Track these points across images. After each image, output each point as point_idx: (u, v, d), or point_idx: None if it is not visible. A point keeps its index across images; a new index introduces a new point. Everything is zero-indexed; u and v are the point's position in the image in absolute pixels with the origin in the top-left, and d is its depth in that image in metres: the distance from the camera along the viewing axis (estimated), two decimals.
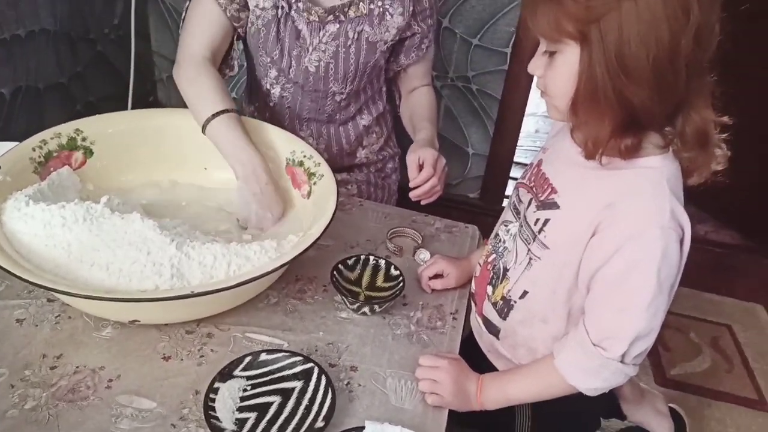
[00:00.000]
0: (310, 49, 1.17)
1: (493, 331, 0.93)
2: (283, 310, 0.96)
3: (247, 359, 0.83)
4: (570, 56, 0.72)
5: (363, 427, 0.74)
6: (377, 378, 0.87)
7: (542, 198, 0.85)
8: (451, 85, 1.85)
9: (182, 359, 0.85)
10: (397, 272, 1.00)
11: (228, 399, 0.78)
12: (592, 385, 0.81)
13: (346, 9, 1.15)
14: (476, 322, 0.98)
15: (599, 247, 0.76)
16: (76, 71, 1.58)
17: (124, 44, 1.70)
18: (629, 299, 0.76)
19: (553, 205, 0.83)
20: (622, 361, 0.78)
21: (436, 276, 1.04)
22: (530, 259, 0.85)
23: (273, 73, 1.22)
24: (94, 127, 1.05)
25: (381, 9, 1.17)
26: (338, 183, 1.34)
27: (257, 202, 1.03)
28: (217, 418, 0.75)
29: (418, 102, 1.32)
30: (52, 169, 0.98)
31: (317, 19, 1.15)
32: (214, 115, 1.05)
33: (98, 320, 0.87)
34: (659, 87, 0.69)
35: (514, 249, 0.89)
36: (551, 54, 0.75)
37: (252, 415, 0.77)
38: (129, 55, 1.62)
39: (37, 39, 1.38)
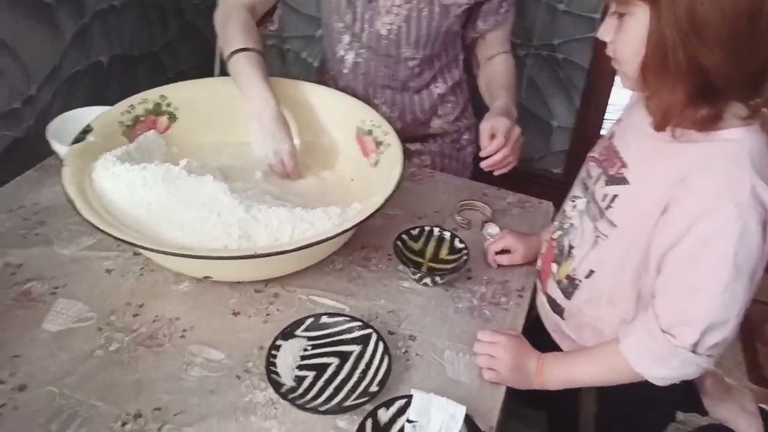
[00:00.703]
0: (383, 11, 1.17)
1: (558, 310, 0.91)
2: (348, 276, 0.98)
3: (309, 320, 0.86)
4: (639, 18, 0.68)
5: (411, 396, 0.75)
6: (435, 349, 0.87)
7: (611, 173, 0.81)
8: (534, 54, 1.78)
9: (250, 316, 0.89)
10: (462, 245, 1.00)
11: (289, 357, 0.81)
12: (659, 373, 0.77)
13: None
14: (541, 301, 0.96)
15: (670, 225, 0.72)
16: (167, 41, 1.67)
17: (212, 14, 1.76)
18: (701, 281, 0.71)
19: (622, 180, 0.79)
20: (694, 351, 0.74)
21: (503, 251, 1.03)
22: (597, 237, 0.81)
23: (346, 38, 1.23)
24: (177, 93, 1.11)
25: None
26: (411, 153, 1.35)
27: (271, 138, 1.06)
28: (277, 374, 0.79)
29: (496, 69, 1.29)
30: (139, 132, 1.05)
31: None
32: (235, 52, 1.08)
33: (177, 275, 0.94)
34: (736, 49, 0.63)
35: (580, 226, 0.86)
36: (620, 16, 0.71)
37: (310, 374, 0.80)
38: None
39: (130, 9, 1.47)
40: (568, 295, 0.88)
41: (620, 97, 2.55)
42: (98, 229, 0.80)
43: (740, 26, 0.62)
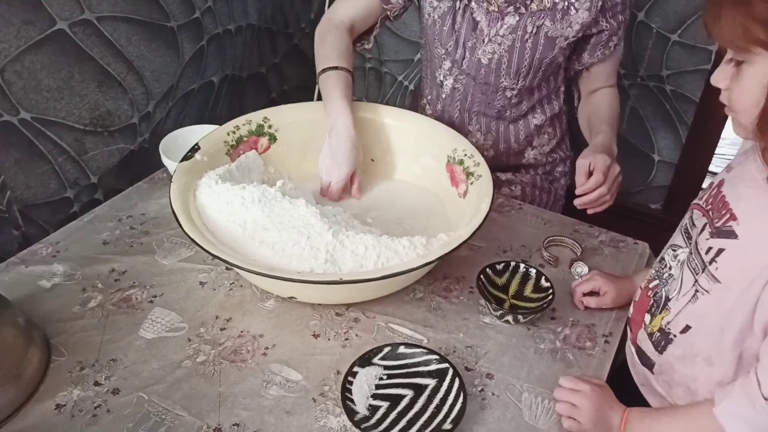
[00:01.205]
0: (486, 40, 1.16)
1: (647, 363, 0.85)
2: (427, 306, 0.97)
3: (387, 349, 0.86)
4: (760, 68, 0.65)
5: None
6: (512, 390, 0.85)
7: (718, 224, 0.75)
8: (640, 85, 1.70)
9: (329, 339, 0.91)
10: (548, 284, 0.96)
11: (364, 384, 0.82)
12: None
13: (528, 1, 1.11)
14: (630, 351, 0.90)
15: None
16: (274, 62, 1.75)
17: None
18: None
19: (731, 234, 0.73)
20: None
21: (592, 293, 0.98)
22: (696, 291, 0.76)
23: (447, 64, 1.23)
24: (279, 116, 1.16)
25: (566, 3, 1.11)
26: (502, 183, 1.33)
27: (330, 156, 1.08)
28: (352, 401, 0.79)
29: (599, 104, 1.24)
30: (241, 152, 1.10)
31: (496, 10, 1.13)
32: (325, 70, 1.13)
33: (264, 292, 0.97)
34: None
35: (679, 277, 0.80)
36: (738, 63, 0.67)
37: (384, 404, 0.80)
38: None
39: (244, 33, 1.55)
40: (659, 348, 0.82)
41: (731, 132, 2.38)
42: (197, 244, 0.85)
43: None
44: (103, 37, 1.15)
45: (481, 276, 0.97)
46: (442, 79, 1.26)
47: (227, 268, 1.02)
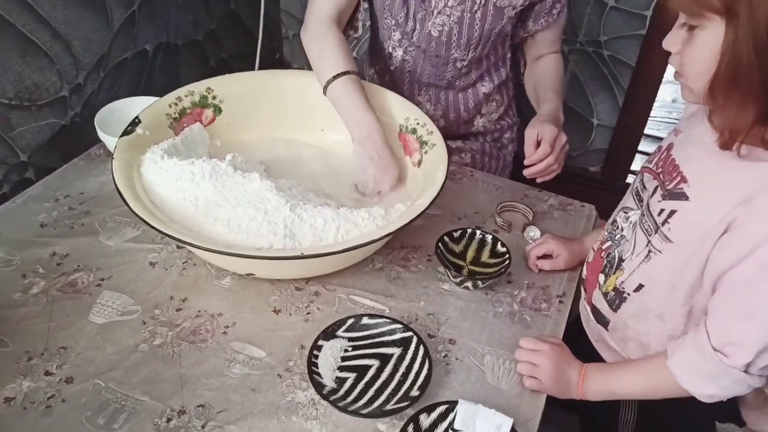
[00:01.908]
0: (435, 12, 1.14)
1: (602, 321, 0.89)
2: (387, 276, 0.98)
3: (350, 321, 0.86)
4: (712, 33, 0.65)
5: (456, 402, 0.75)
6: (475, 354, 0.87)
7: (669, 187, 0.78)
8: (579, 50, 1.74)
9: (291, 314, 0.90)
10: (504, 249, 0.98)
11: (330, 357, 0.81)
12: (708, 391, 0.75)
13: None
14: (585, 310, 0.94)
15: (731, 246, 0.70)
16: (210, 29, 1.67)
17: (255, 3, 1.76)
18: (759, 305, 0.69)
19: (681, 196, 0.76)
20: (746, 371, 0.72)
21: (545, 256, 1.01)
22: (650, 251, 0.79)
23: (396, 36, 1.21)
24: (223, 86, 1.11)
25: None
26: (452, 151, 1.33)
27: (374, 165, 1.02)
28: (319, 374, 0.79)
29: (544, 70, 1.25)
30: (185, 125, 1.05)
31: None
32: (336, 77, 1.05)
33: (219, 270, 0.95)
34: None
35: (632, 239, 0.83)
36: (691, 28, 0.68)
37: (351, 375, 0.80)
38: (258, 13, 1.67)
39: None
40: (614, 307, 0.86)
41: (663, 95, 2.48)
42: (145, 222, 0.81)
43: None
44: (23, 2, 1.06)
45: (439, 244, 0.98)
46: (390, 50, 1.24)
47: (178, 247, 0.98)
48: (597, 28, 1.68)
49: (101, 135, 1.09)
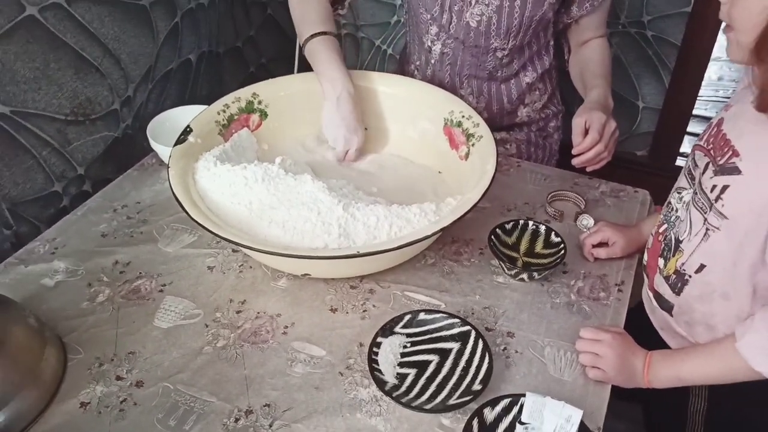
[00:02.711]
0: (473, 2, 1.13)
1: (666, 306, 0.87)
2: (440, 271, 0.97)
3: (407, 317, 0.86)
4: None
5: (522, 395, 0.74)
6: (535, 346, 0.86)
7: (721, 162, 0.76)
8: (622, 32, 1.69)
9: (347, 312, 0.90)
10: (558, 239, 0.97)
11: (389, 354, 0.82)
12: None
13: None
14: (648, 297, 0.92)
15: None
16: (249, 35, 1.69)
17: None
18: None
19: (734, 170, 0.74)
20: None
21: (600, 244, 0.99)
22: (707, 230, 0.77)
23: (434, 29, 1.21)
24: (268, 90, 1.12)
25: None
26: (497, 142, 1.31)
27: (345, 127, 1.07)
28: (380, 371, 0.79)
29: (590, 56, 1.22)
30: (233, 131, 1.07)
31: None
32: (313, 36, 1.09)
33: (275, 271, 0.96)
34: None
35: (687, 218, 0.81)
36: None
37: (412, 371, 0.81)
38: None
39: (217, 6, 1.49)
40: (677, 290, 0.84)
41: (712, 74, 2.39)
42: (202, 227, 0.82)
43: None
44: (75, 20, 1.09)
45: (492, 236, 0.97)
46: (429, 44, 1.23)
47: (234, 251, 1.00)
48: (639, 8, 1.64)
49: (154, 145, 1.12)
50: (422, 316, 0.86)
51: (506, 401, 0.75)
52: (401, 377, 0.80)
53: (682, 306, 0.85)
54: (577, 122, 1.02)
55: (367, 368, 0.79)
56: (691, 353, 0.82)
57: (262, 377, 0.81)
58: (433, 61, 1.25)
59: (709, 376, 0.80)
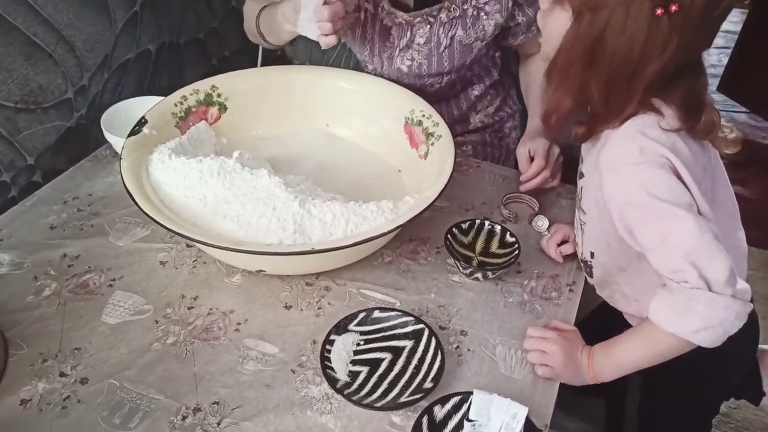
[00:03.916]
0: (399, 50, 1.14)
1: (593, 288, 0.97)
2: (397, 269, 0.98)
3: (361, 315, 0.86)
4: (564, 18, 0.75)
5: (471, 393, 0.75)
6: (487, 344, 0.87)
7: (580, 168, 0.91)
8: None
9: (302, 309, 0.90)
10: (513, 239, 0.98)
11: (342, 351, 0.82)
12: (692, 325, 0.72)
13: (435, 12, 1.08)
14: None
15: (608, 201, 0.79)
16: (212, 27, 1.66)
17: None
18: (656, 231, 0.74)
19: (581, 174, 0.89)
20: (710, 290, 0.71)
21: (563, 242, 1.01)
22: (581, 224, 0.90)
23: (370, 66, 1.22)
24: (228, 83, 1.11)
25: (475, 9, 1.08)
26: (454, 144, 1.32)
27: None
28: (332, 369, 0.79)
29: (534, 76, 1.20)
30: (191, 123, 1.05)
31: (404, 23, 1.10)
32: (261, 10, 1.12)
33: (230, 267, 0.95)
34: (609, 93, 0.74)
35: (576, 217, 0.94)
36: (559, 3, 0.76)
37: (364, 369, 0.81)
38: None
39: None
40: (590, 274, 0.94)
41: None
42: (154, 220, 0.81)
43: (619, 79, 0.73)
44: (27, 4, 1.06)
45: (448, 235, 0.97)
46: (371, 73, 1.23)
47: (188, 245, 0.98)
48: None
49: (108, 136, 1.09)
50: (376, 314, 0.86)
51: (456, 399, 0.76)
52: (353, 375, 0.80)
53: (600, 284, 0.95)
54: (521, 152, 1.08)
55: (320, 366, 0.79)
56: (624, 337, 0.83)
57: (212, 374, 0.79)
58: None
59: (642, 356, 0.80)
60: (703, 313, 0.72)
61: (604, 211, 0.82)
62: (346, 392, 0.77)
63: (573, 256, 1.00)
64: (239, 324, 0.87)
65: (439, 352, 0.81)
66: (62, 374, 0.78)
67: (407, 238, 1.03)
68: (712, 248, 0.72)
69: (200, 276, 0.93)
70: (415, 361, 0.82)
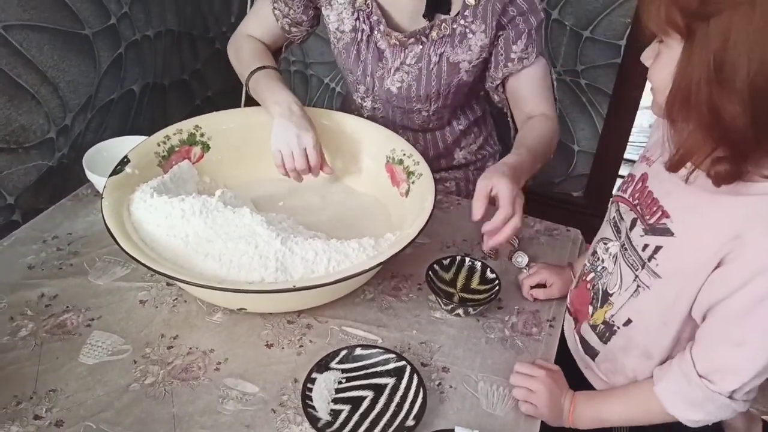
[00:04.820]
0: (392, 70, 1.17)
1: (591, 353, 0.90)
2: (379, 306, 0.98)
3: (343, 353, 0.86)
4: (674, 51, 0.66)
5: (452, 430, 0.74)
6: (468, 381, 0.87)
7: (651, 221, 0.78)
8: (558, 80, 1.79)
9: (283, 347, 0.89)
10: (494, 275, 0.99)
11: (324, 390, 0.81)
12: (694, 417, 0.76)
13: (427, 31, 1.12)
14: (573, 338, 0.94)
15: (724, 279, 0.70)
16: (196, 68, 1.70)
17: None
18: (751, 335, 0.70)
19: (666, 232, 0.76)
20: (731, 397, 0.73)
21: (539, 285, 1.02)
22: (638, 286, 0.80)
23: (362, 88, 1.24)
24: (211, 123, 1.12)
25: (464, 28, 1.11)
26: (436, 181, 1.34)
27: (295, 126, 1.05)
28: (313, 408, 0.78)
29: (530, 127, 1.11)
30: (173, 162, 1.06)
31: (398, 43, 1.14)
32: (255, 71, 1.12)
33: (210, 306, 0.94)
34: (755, 110, 0.61)
35: (617, 273, 0.84)
36: (660, 44, 0.69)
37: (346, 408, 0.80)
38: None
39: (163, 39, 1.49)
40: (604, 340, 0.87)
41: (640, 120, 2.53)
42: (135, 260, 0.81)
43: (762, 87, 0.60)
44: (11, 46, 1.07)
45: (430, 272, 0.98)
46: (360, 101, 1.27)
47: (168, 284, 0.97)
48: (574, 57, 1.74)
49: (89, 175, 1.09)
50: (358, 351, 0.86)
51: None
52: (335, 414, 0.79)
53: (607, 355, 0.87)
54: (482, 185, 0.88)
55: (301, 405, 0.78)
56: (612, 395, 0.85)
57: (191, 415, 0.78)
58: (366, 115, 1.28)
59: (629, 418, 0.83)
60: (712, 411, 0.75)
61: (692, 284, 0.73)
62: (327, 431, 0.76)
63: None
64: (219, 363, 0.86)
65: (421, 389, 0.81)
66: (36, 417, 0.76)
67: (389, 275, 1.04)
68: None
69: (180, 315, 0.93)
70: (397, 399, 0.82)
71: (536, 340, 0.95)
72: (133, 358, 0.85)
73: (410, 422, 0.77)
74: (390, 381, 0.84)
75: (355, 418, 0.79)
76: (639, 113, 1.82)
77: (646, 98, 1.84)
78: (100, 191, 1.02)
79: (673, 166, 0.71)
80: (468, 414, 0.82)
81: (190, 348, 0.88)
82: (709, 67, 0.61)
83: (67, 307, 0.92)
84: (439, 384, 0.86)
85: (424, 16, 1.09)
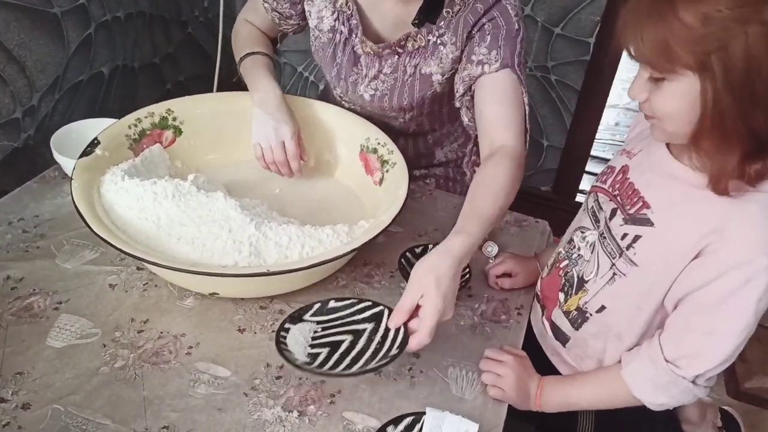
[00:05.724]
0: (367, 78, 1.16)
1: (561, 339, 0.92)
2: (351, 292, 0.99)
3: (317, 306, 0.84)
4: (684, 85, 0.66)
5: (424, 413, 0.76)
6: (439, 366, 0.88)
7: (631, 211, 0.80)
8: (529, 75, 1.82)
9: (255, 332, 0.89)
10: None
11: (299, 337, 0.80)
12: (659, 400, 0.80)
13: (403, 42, 1.11)
14: (541, 325, 0.97)
15: (701, 269, 0.73)
16: (168, 52, 1.67)
17: (213, 26, 1.77)
18: (721, 325, 0.73)
19: (646, 222, 0.77)
20: (694, 382, 0.77)
21: (504, 275, 1.04)
22: (614, 274, 0.81)
23: (337, 90, 1.23)
24: (183, 107, 1.11)
25: (436, 39, 1.09)
26: (416, 178, 1.33)
27: (273, 119, 1.07)
28: (289, 351, 0.77)
29: (490, 176, 0.93)
30: (145, 146, 1.05)
31: (372, 53, 1.13)
32: (246, 55, 1.15)
33: (181, 290, 0.94)
34: None
35: (594, 260, 0.85)
36: (657, 80, 0.69)
37: (324, 350, 0.79)
38: (216, 36, 1.69)
39: (134, 21, 1.47)
40: (576, 326, 0.89)
41: (608, 117, 2.60)
42: (105, 241, 0.80)
43: None
44: None
45: (402, 260, 1.00)
46: (338, 99, 1.25)
47: (138, 268, 0.96)
48: (544, 54, 1.77)
49: (57, 157, 1.07)
50: (332, 303, 0.85)
51: (409, 419, 0.77)
52: (313, 357, 0.78)
53: (578, 340, 0.90)
54: (408, 298, 0.78)
55: (272, 385, 0.79)
56: (580, 380, 0.88)
57: (162, 399, 0.78)
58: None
59: (595, 401, 0.87)
60: (677, 395, 0.78)
61: (669, 274, 0.75)
62: (307, 368, 0.75)
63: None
64: (191, 347, 0.86)
65: (402, 326, 0.79)
66: (2, 400, 0.75)
67: (362, 263, 1.05)
68: (735, 357, 0.74)
69: (151, 299, 0.92)
70: (377, 339, 0.80)
71: (505, 327, 0.97)
72: (102, 342, 0.84)
73: (394, 351, 0.76)
74: (368, 326, 0.82)
75: (335, 357, 0.78)
76: (606, 111, 1.86)
77: (613, 96, 1.89)
78: (69, 173, 1.01)
79: (718, 190, 0.70)
80: (438, 398, 0.84)
81: (161, 332, 0.87)
82: (740, 91, 0.63)
83: (34, 290, 0.90)
84: (410, 369, 0.87)
85: (413, 23, 1.05)
